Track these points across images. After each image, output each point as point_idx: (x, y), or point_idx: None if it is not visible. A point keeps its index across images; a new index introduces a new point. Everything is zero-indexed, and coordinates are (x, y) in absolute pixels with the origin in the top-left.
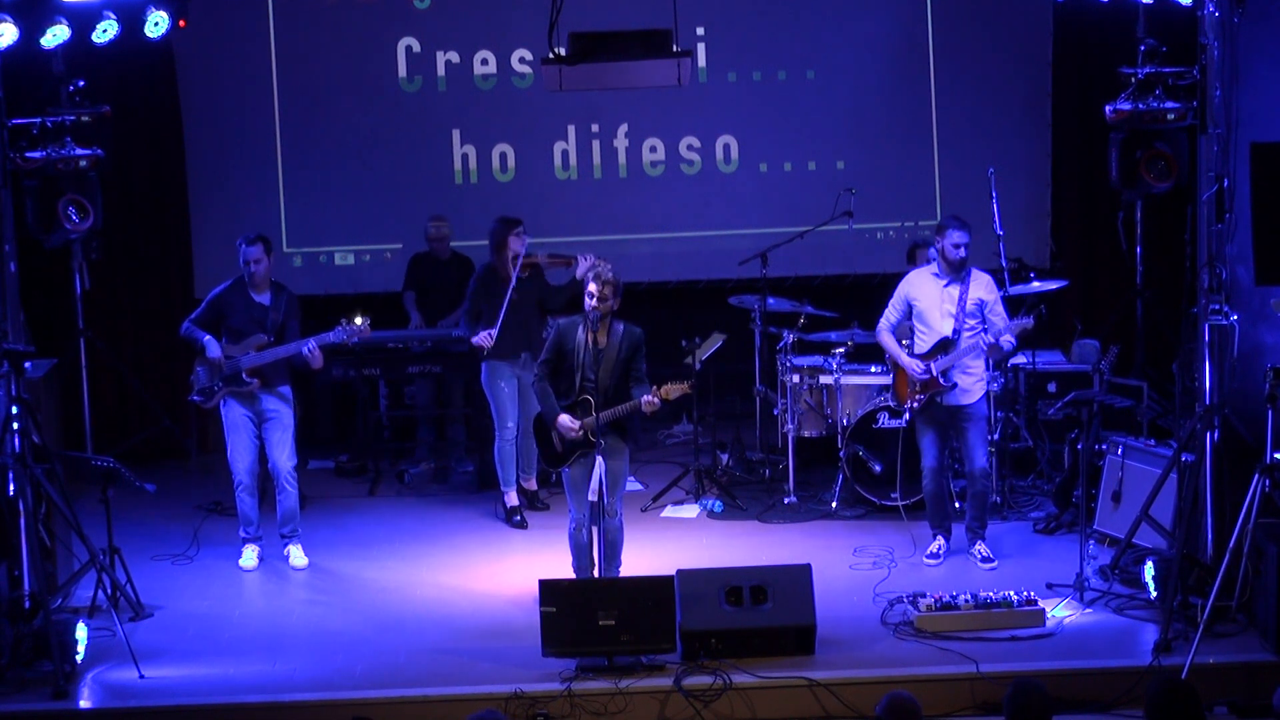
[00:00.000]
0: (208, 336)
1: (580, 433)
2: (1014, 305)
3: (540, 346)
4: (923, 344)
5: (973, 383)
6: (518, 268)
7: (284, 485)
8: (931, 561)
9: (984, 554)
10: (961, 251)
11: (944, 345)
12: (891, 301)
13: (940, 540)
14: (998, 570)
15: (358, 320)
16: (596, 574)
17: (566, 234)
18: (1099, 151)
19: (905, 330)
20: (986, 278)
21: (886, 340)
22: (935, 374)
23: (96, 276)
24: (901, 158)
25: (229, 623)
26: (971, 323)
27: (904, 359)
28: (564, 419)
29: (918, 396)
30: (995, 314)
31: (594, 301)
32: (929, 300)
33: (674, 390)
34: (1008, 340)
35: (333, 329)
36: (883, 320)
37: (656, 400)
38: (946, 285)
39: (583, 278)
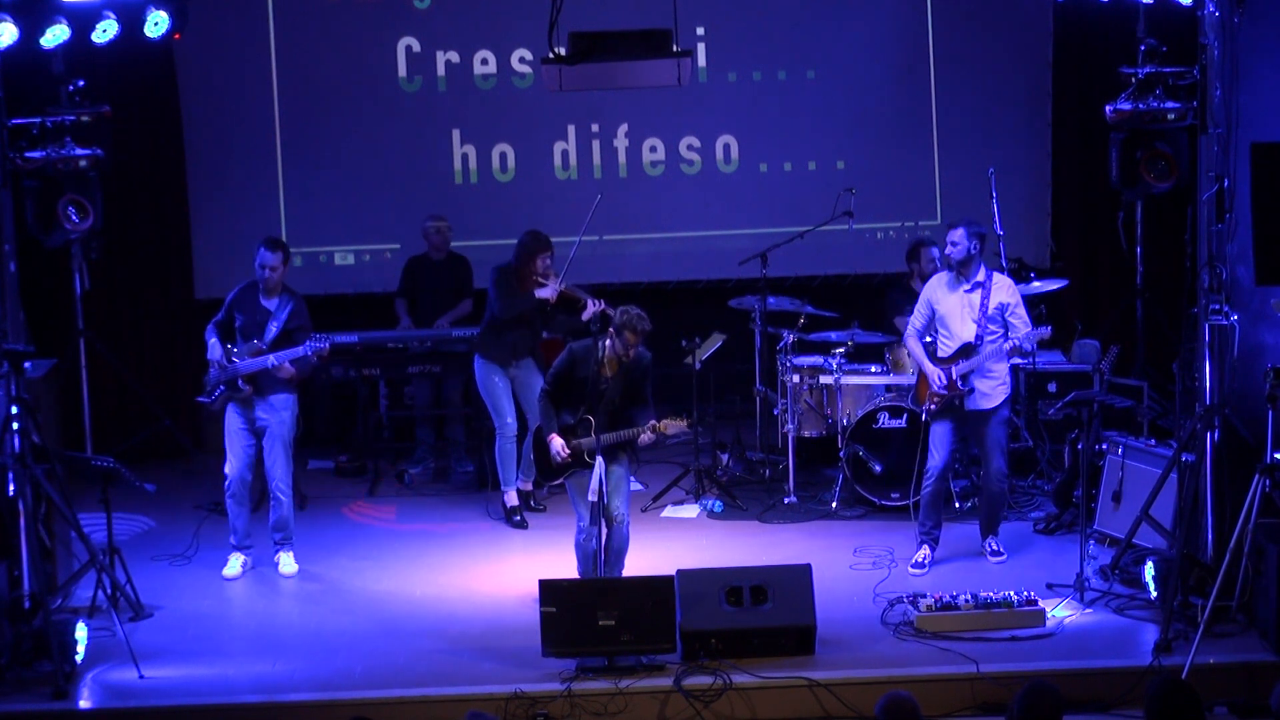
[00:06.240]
0: (212, 339)
1: (567, 457)
2: None
3: (531, 355)
4: (945, 349)
5: (994, 386)
6: (550, 290)
7: (276, 495)
8: (917, 571)
9: (994, 548)
10: (953, 250)
11: (966, 350)
12: (916, 307)
13: (926, 549)
14: (999, 568)
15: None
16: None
17: (566, 234)
18: (1099, 151)
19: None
20: (1008, 281)
21: (913, 346)
22: (955, 379)
23: (96, 276)
24: (901, 158)
25: (229, 623)
26: (993, 328)
27: (926, 366)
28: (555, 444)
29: (935, 400)
30: (1016, 316)
31: (622, 349)
32: (949, 305)
33: (672, 426)
34: (1028, 343)
35: (302, 343)
36: (909, 327)
37: (652, 436)
38: (968, 291)
39: (590, 319)
